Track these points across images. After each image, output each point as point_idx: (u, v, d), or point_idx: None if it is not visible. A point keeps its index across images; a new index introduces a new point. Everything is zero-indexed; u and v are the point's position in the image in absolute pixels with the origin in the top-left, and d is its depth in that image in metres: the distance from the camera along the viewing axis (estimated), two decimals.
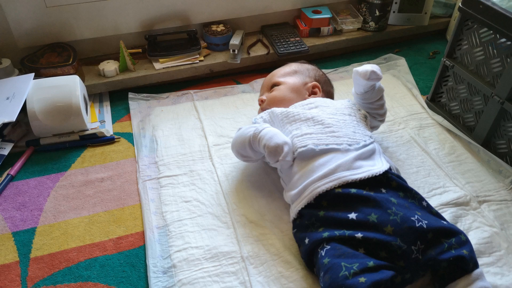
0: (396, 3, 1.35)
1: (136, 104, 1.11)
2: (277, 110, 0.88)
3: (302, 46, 1.24)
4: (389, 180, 0.75)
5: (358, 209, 0.69)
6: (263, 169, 0.91)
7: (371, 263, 0.62)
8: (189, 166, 0.94)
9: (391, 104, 1.13)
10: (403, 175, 0.87)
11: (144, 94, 1.14)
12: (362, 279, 0.60)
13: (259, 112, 0.99)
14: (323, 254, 0.66)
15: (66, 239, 0.79)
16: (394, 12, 1.36)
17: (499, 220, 0.84)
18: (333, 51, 1.32)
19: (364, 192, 0.71)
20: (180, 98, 1.15)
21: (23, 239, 0.79)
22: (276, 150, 0.77)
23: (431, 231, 0.67)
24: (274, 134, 0.79)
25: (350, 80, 1.22)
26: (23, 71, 1.06)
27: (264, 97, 0.97)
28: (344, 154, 0.77)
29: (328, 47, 1.30)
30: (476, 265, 0.67)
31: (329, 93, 1.00)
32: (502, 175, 0.93)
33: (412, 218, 0.68)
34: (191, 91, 1.16)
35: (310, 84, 0.96)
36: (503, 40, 0.90)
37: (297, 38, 1.27)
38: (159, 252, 0.76)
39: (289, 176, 0.80)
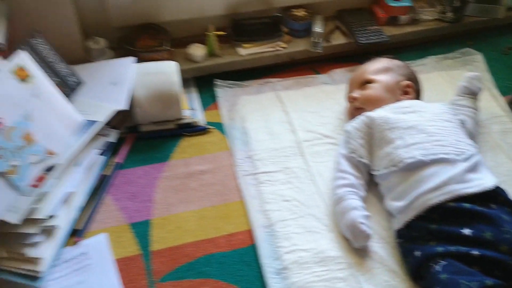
0: None
1: (223, 92, 1.09)
2: (374, 115, 0.86)
3: (382, 36, 1.19)
4: (497, 195, 0.74)
5: (472, 225, 0.69)
6: None
7: (489, 282, 0.63)
8: (283, 163, 0.93)
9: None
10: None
11: (230, 82, 1.11)
12: None
13: (349, 111, 0.97)
14: (439, 269, 0.66)
15: (181, 233, 0.81)
16: (472, 2, 1.28)
17: None
18: (410, 41, 1.26)
19: (478, 207, 0.70)
20: (262, 87, 1.12)
21: (141, 231, 0.81)
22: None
23: None
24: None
25: (428, 75, 1.16)
26: (117, 51, 1.03)
27: (355, 95, 0.94)
28: (452, 165, 0.75)
29: (406, 37, 1.24)
30: None
31: (418, 92, 0.97)
32: None
33: None
34: (273, 80, 1.13)
35: (403, 83, 0.93)
36: None
37: (376, 27, 1.21)
38: (269, 252, 0.79)
39: (391, 186, 0.80)
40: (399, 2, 1.23)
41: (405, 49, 1.26)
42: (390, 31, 1.22)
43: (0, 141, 0.71)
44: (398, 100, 0.91)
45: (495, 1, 1.29)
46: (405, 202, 0.75)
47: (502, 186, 0.90)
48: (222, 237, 0.81)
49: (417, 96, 0.97)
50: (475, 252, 0.66)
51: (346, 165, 0.83)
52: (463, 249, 0.67)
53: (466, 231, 0.69)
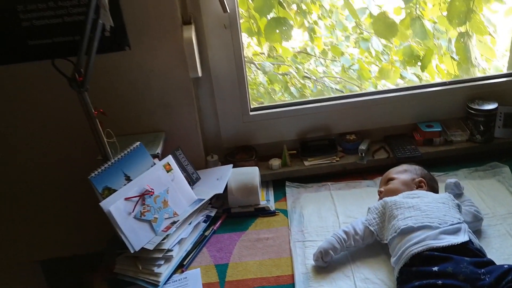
0: (500, 119, 1.54)
1: (290, 190, 1.52)
2: (388, 199, 1.18)
3: (416, 152, 1.52)
4: (467, 250, 0.97)
5: (439, 265, 0.93)
6: (378, 244, 1.19)
7: None
8: (324, 235, 1.26)
9: (492, 203, 1.31)
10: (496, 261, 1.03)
11: (296, 183, 1.54)
12: None
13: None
14: None
15: (246, 273, 1.18)
16: (499, 127, 1.56)
17: None
18: (444, 158, 1.55)
19: (444, 253, 0.96)
20: (320, 188, 1.51)
21: (221, 269, 1.20)
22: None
23: (494, 280, 0.88)
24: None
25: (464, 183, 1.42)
26: (224, 163, 1.57)
27: (382, 189, 1.28)
28: (432, 229, 1.03)
29: (439, 154, 1.55)
30: None
31: (433, 188, 1.26)
32: None
33: (479, 272, 0.90)
34: (329, 183, 1.52)
35: (417, 179, 1.25)
36: None
37: (412, 146, 1.55)
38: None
39: (393, 247, 1.08)
40: (431, 128, 1.58)
41: (442, 163, 1.54)
42: (426, 150, 1.55)
43: (150, 202, 1.23)
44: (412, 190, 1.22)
45: None
46: (398, 255, 1.03)
47: (503, 261, 1.08)
48: (272, 277, 1.15)
49: (432, 190, 1.26)
50: (439, 282, 0.91)
51: (357, 224, 1.16)
52: (432, 281, 0.92)
53: (435, 268, 0.94)
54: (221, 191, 1.38)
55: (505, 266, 0.94)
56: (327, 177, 1.56)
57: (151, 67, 1.40)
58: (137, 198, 1.21)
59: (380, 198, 1.27)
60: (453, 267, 0.93)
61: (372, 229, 1.16)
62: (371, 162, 1.55)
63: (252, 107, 1.61)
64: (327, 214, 1.36)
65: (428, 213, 1.08)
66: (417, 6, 1.88)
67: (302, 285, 1.10)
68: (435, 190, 1.27)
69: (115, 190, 1.19)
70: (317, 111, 1.60)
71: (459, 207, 1.15)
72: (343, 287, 1.07)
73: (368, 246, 1.19)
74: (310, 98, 1.66)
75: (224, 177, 1.43)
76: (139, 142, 1.27)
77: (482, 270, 0.93)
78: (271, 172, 1.56)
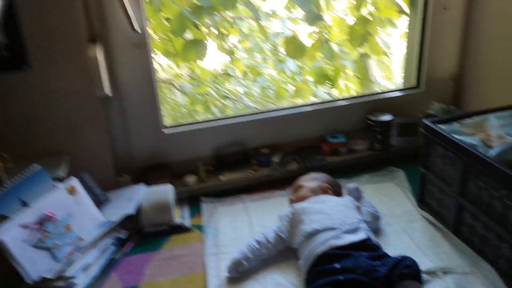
0: (395, 129, 1.69)
1: (206, 206, 1.49)
2: (297, 206, 1.22)
3: (323, 162, 1.59)
4: (366, 246, 1.04)
5: (341, 262, 0.98)
6: (289, 248, 1.20)
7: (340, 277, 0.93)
8: (238, 246, 1.25)
9: (390, 204, 1.41)
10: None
11: (211, 198, 1.52)
12: None
13: None
14: None
15: None
16: (395, 136, 1.69)
17: (457, 285, 1.05)
18: (349, 165, 1.65)
19: (344, 251, 1.01)
20: (235, 201, 1.51)
21: None
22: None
23: (388, 270, 0.95)
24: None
25: (363, 187, 1.51)
26: (136, 182, 1.51)
27: (292, 197, 1.31)
28: (334, 231, 1.08)
29: (344, 163, 1.64)
30: (415, 278, 0.96)
31: (338, 193, 1.33)
32: (467, 256, 1.14)
33: (374, 265, 0.97)
34: (243, 196, 1.53)
35: (323, 186, 1.31)
36: (449, 153, 1.19)
37: (321, 156, 1.63)
38: None
39: (301, 251, 1.11)
40: (336, 139, 1.67)
41: (347, 171, 1.63)
42: (332, 159, 1.64)
43: (51, 228, 1.13)
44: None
45: (414, 133, 1.69)
46: (305, 257, 1.06)
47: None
48: None
49: (337, 195, 1.32)
50: (341, 277, 0.95)
51: (269, 232, 1.19)
52: (334, 277, 0.96)
53: (337, 265, 0.99)
54: (132, 211, 1.31)
55: (398, 257, 1.00)
56: (244, 191, 1.57)
57: (55, 87, 1.32)
58: (35, 224, 1.10)
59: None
60: (353, 262, 0.98)
61: (282, 235, 1.18)
62: (284, 173, 1.59)
63: (166, 124, 1.58)
64: (241, 225, 1.36)
65: (332, 215, 1.14)
66: (325, 30, 2.02)
67: None
68: (340, 195, 1.34)
69: (7, 217, 1.08)
70: (233, 127, 1.62)
71: (359, 208, 1.22)
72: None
73: (281, 252, 1.21)
74: (225, 116, 1.67)
75: (136, 197, 1.37)
76: (37, 165, 1.18)
77: (378, 262, 0.98)
78: (186, 189, 1.53)
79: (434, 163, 1.29)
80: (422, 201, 1.39)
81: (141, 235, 1.35)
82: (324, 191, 1.30)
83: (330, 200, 1.22)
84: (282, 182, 1.59)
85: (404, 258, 0.99)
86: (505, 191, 1.02)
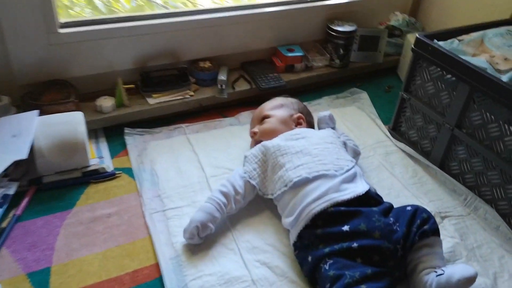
0: (356, 43, 1.42)
1: (132, 139, 1.09)
2: (269, 144, 0.91)
3: (280, 81, 1.28)
4: (369, 199, 0.81)
5: (349, 222, 0.74)
6: (260, 198, 0.92)
7: (369, 271, 0.68)
8: (191, 198, 0.93)
9: (360, 134, 1.19)
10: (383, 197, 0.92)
11: (139, 129, 1.12)
12: (363, 287, 0.65)
13: (252, 144, 1.01)
14: (327, 268, 0.70)
15: (83, 276, 0.76)
16: (354, 50, 1.44)
17: (458, 232, 0.91)
18: (306, 85, 1.37)
19: (352, 208, 0.77)
20: (172, 132, 1.13)
21: (39, 279, 0.74)
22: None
23: (406, 228, 0.75)
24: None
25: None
26: (22, 108, 1.01)
27: (256, 130, 0.99)
28: (332, 179, 0.82)
29: (302, 82, 1.35)
30: (435, 233, 0.77)
31: (310, 123, 1.05)
32: (457, 194, 1.01)
33: (390, 223, 0.75)
34: (183, 125, 1.16)
35: (295, 116, 1.01)
36: (448, 76, 0.99)
37: (275, 74, 1.30)
38: (176, 282, 0.75)
39: (284, 204, 0.84)
40: (293, 53, 1.34)
41: (303, 91, 1.36)
42: (288, 77, 1.32)
43: None
44: (291, 129, 0.97)
45: (375, 48, 1.46)
46: (295, 215, 0.79)
47: (386, 198, 0.97)
48: (126, 274, 0.77)
49: (310, 126, 1.04)
50: (355, 244, 0.71)
51: (236, 179, 0.87)
52: (345, 244, 0.72)
53: (346, 228, 0.74)
54: (24, 156, 0.86)
55: (408, 208, 0.80)
56: (179, 118, 1.19)
57: None
58: None
59: (255, 141, 0.99)
60: (366, 222, 0.75)
61: (253, 183, 0.88)
62: (231, 95, 1.24)
63: (62, 21, 1.05)
64: (188, 167, 1.02)
65: (321, 158, 0.86)
66: None
67: (173, 276, 0.77)
68: (312, 126, 1.06)
69: None
70: (159, 30, 1.16)
71: (345, 145, 0.97)
72: (229, 266, 0.79)
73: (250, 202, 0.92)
74: (149, 13, 1.19)
75: (26, 132, 0.90)
76: None
77: (391, 219, 0.77)
78: (101, 116, 1.09)
79: (421, 86, 1.08)
80: (396, 130, 1.20)
81: (39, 187, 0.92)
82: (297, 123, 1.01)
83: (310, 135, 0.94)
84: (229, 107, 1.25)
85: (416, 210, 0.79)
86: None
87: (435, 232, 0.76)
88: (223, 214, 0.84)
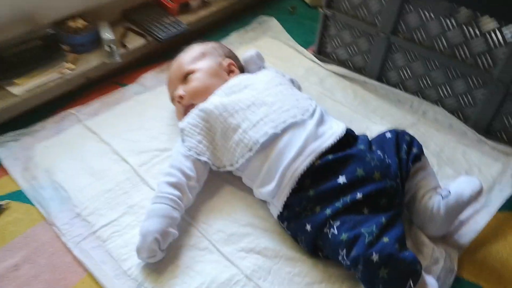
0: None
1: (6, 150, 0.77)
2: (209, 106, 0.71)
3: (181, 26, 1.03)
4: (348, 137, 0.69)
5: (343, 172, 0.62)
6: (214, 174, 0.73)
7: (383, 219, 0.57)
8: (124, 203, 0.70)
9: (285, 66, 1.04)
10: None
11: (11, 133, 0.80)
12: (385, 239, 0.55)
13: (180, 112, 0.79)
14: (335, 232, 0.58)
15: None
16: None
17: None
18: (208, 24, 1.15)
19: (340, 154, 0.64)
20: (61, 124, 0.84)
21: None
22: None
23: (397, 160, 0.65)
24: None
25: (237, 52, 1.06)
26: None
27: (181, 92, 0.77)
28: (303, 126, 0.67)
29: (203, 22, 1.12)
30: (422, 153, 0.69)
31: (242, 68, 0.86)
32: (402, 103, 0.96)
33: (383, 158, 0.64)
34: (73, 111, 0.86)
35: (225, 63, 0.81)
36: None
37: (170, 18, 1.05)
38: None
39: (254, 173, 0.68)
40: None
41: (206, 32, 1.14)
42: (186, 19, 1.08)
43: None
44: (226, 81, 0.77)
45: None
46: (275, 182, 0.64)
47: None
48: None
49: (242, 72, 0.85)
50: (359, 195, 0.59)
51: (181, 162, 0.67)
52: (347, 199, 0.60)
53: (341, 180, 0.61)
54: None
55: (388, 135, 0.70)
56: (64, 102, 0.89)
57: None
58: None
59: (185, 107, 0.77)
60: (361, 166, 0.62)
61: (204, 159, 0.68)
62: (125, 57, 0.96)
63: None
64: (104, 163, 0.76)
65: (280, 104, 0.70)
66: None
67: None
68: (244, 71, 0.87)
69: None
70: None
71: (293, 82, 0.81)
72: (212, 271, 0.61)
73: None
74: None
75: None
76: None
77: (379, 152, 0.66)
78: None
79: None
80: (322, 52, 1.08)
81: None
82: (230, 71, 0.81)
83: (252, 81, 0.75)
84: (127, 71, 0.98)
85: (397, 135, 0.69)
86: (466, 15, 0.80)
87: (422, 151, 0.68)
88: (181, 211, 0.64)
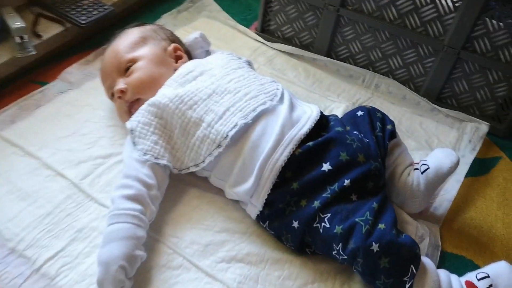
0: None
1: None
2: (162, 100, 0.61)
3: (105, 7, 0.89)
4: (321, 119, 0.64)
5: (326, 158, 0.57)
6: (173, 178, 0.64)
7: (374, 204, 0.54)
8: (71, 227, 0.58)
9: (228, 47, 0.96)
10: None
11: None
12: (382, 226, 0.52)
13: (122, 110, 0.68)
14: (327, 225, 0.54)
15: None
16: None
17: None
18: (136, 3, 1.01)
19: (319, 139, 0.59)
20: None
21: None
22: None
23: (373, 136, 0.62)
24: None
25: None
26: None
27: (122, 86, 0.66)
28: (274, 112, 0.61)
29: (127, 2, 0.99)
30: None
31: (188, 53, 0.76)
32: (354, 78, 0.94)
33: (361, 137, 0.61)
34: None
35: (170, 48, 0.71)
36: None
37: (91, 0, 0.90)
38: None
39: (225, 171, 0.60)
40: None
41: (135, 14, 1.01)
42: (109, 0, 0.94)
43: None
44: (175, 69, 0.68)
45: None
46: (253, 178, 0.57)
47: None
48: None
49: (189, 56, 0.76)
50: (346, 181, 0.55)
51: (137, 170, 0.57)
52: (335, 187, 0.55)
53: (326, 167, 0.56)
54: None
55: (358, 113, 0.66)
56: None
57: None
58: None
59: (128, 103, 0.66)
60: (344, 149, 0.57)
61: (164, 162, 0.59)
62: (40, 48, 0.80)
63: None
64: (36, 181, 0.63)
65: (245, 91, 0.62)
66: None
67: None
68: (191, 56, 0.77)
69: None
70: None
71: (250, 64, 0.74)
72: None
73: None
74: None
75: None
76: None
77: (354, 131, 0.62)
78: None
79: None
80: (266, 31, 1.02)
81: None
82: (177, 57, 0.70)
83: (206, 67, 0.66)
84: (44, 66, 0.83)
85: (369, 112, 0.65)
86: None
87: (395, 128, 0.66)
88: (146, 227, 0.54)
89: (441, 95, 0.89)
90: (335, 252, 0.53)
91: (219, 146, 0.58)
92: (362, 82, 0.93)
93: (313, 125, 0.59)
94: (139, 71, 0.65)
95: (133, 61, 0.66)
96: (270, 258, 0.58)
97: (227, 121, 0.58)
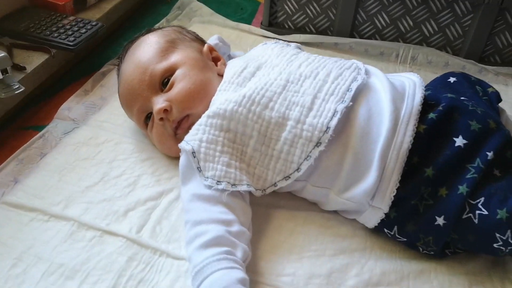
0: None
1: None
2: (226, 106, 0.49)
3: (93, 24, 0.75)
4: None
5: (455, 130, 0.47)
6: (256, 205, 0.51)
7: None
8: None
9: (240, 49, 0.83)
10: None
11: None
12: None
13: (169, 135, 0.55)
14: (484, 212, 0.44)
15: None
16: None
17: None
18: (121, 17, 0.88)
19: (441, 108, 0.49)
20: None
21: None
22: None
23: (484, 104, 0.54)
24: None
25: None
26: None
27: (164, 104, 0.52)
28: (370, 88, 0.51)
29: (112, 16, 0.85)
30: None
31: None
32: (386, 55, 0.86)
33: (473, 101, 0.51)
34: None
35: (205, 50, 0.60)
36: None
37: (70, 18, 0.75)
38: None
39: (331, 171, 0.49)
40: None
41: (123, 28, 0.88)
42: (94, 16, 0.80)
43: None
44: (219, 72, 0.56)
45: None
46: (373, 174, 0.46)
47: None
48: None
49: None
50: (489, 154, 0.45)
51: (205, 210, 0.45)
52: (477, 164, 0.45)
53: (459, 142, 0.46)
54: None
55: (449, 79, 0.57)
56: None
57: None
58: None
59: (175, 127, 0.53)
60: (472, 117, 0.47)
61: (244, 187, 0.46)
62: (28, 83, 0.64)
63: None
64: (78, 250, 0.48)
65: (324, 72, 0.51)
66: None
67: None
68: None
69: None
70: None
71: (300, 49, 0.63)
72: None
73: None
74: None
75: None
76: None
77: (462, 97, 0.53)
78: None
79: None
80: (275, 24, 0.92)
81: None
82: (214, 59, 0.59)
83: (261, 60, 0.54)
84: (33, 106, 0.67)
85: (459, 75, 0.56)
86: None
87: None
88: (243, 268, 0.43)
89: (483, 54, 0.84)
90: (499, 244, 0.44)
91: (318, 144, 0.46)
92: (396, 58, 0.86)
93: (424, 92, 0.49)
94: (183, 81, 0.53)
95: (170, 70, 0.54)
96: (410, 272, 0.48)
97: (321, 111, 0.48)
